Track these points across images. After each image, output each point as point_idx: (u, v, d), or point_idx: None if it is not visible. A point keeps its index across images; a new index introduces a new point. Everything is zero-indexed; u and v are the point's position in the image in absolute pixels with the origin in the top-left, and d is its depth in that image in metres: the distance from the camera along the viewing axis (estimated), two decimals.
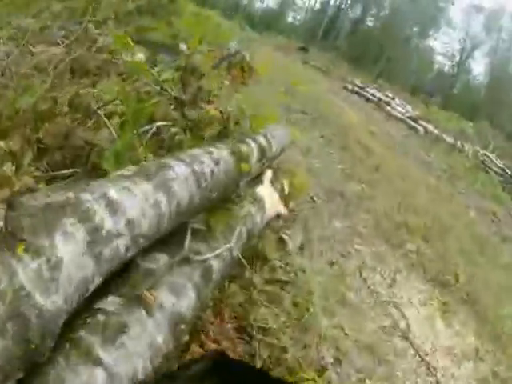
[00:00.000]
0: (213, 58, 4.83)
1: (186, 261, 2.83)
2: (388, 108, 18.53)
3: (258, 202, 4.26)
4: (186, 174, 2.85)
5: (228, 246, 3.36)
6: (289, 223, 5.35)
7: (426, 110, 23.97)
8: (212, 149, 3.38)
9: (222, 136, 3.97)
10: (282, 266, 4.49)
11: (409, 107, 20.52)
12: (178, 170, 2.79)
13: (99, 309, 2.04)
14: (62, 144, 3.07)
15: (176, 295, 2.51)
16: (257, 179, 4.61)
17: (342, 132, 10.77)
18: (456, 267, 6.88)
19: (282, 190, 5.32)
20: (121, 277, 2.29)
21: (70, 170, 2.97)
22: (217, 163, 3.24)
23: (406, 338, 4.70)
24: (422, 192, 9.85)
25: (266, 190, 4.60)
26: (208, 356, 2.59)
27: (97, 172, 2.94)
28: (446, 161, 14.36)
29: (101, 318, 1.98)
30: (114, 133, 3.19)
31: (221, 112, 4.16)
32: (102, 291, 2.04)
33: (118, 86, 3.72)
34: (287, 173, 5.96)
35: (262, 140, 4.51)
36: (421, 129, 17.13)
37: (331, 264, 5.28)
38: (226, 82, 6.00)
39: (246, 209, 3.92)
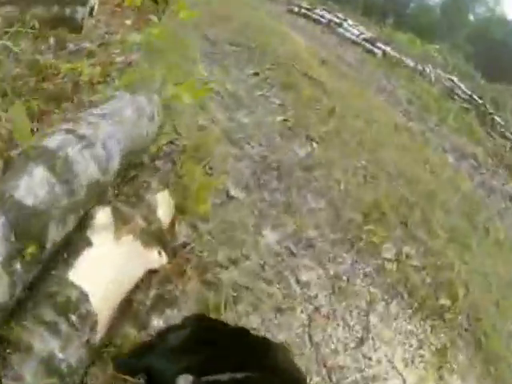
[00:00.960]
0: None
1: None
2: (340, 30, 15.15)
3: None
4: None
5: None
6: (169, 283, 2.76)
7: (380, 31, 20.54)
8: None
9: None
10: None
11: (362, 28, 17.10)
12: None
13: None
14: None
15: None
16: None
17: (284, 65, 7.59)
18: (451, 270, 4.41)
19: (151, 222, 2.75)
20: None
21: None
22: None
23: None
24: (392, 139, 6.90)
25: (97, 262, 2.27)
26: (187, 321, 2.00)
27: None
28: (411, 89, 11.35)
29: None
30: None
31: None
32: None
33: None
34: (185, 157, 3.66)
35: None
36: (379, 52, 13.87)
37: None
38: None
39: None
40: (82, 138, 2.24)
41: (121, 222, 2.44)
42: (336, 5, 26.39)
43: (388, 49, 14.49)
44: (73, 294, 1.99)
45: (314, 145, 5.43)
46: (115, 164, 2.52)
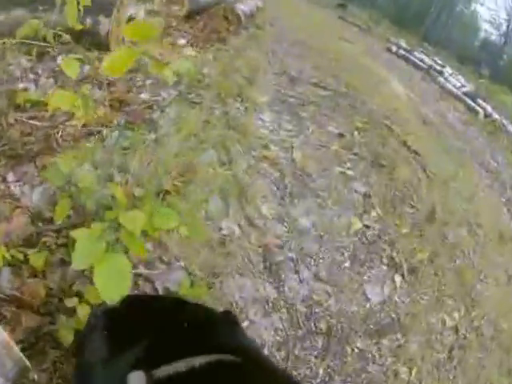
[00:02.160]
0: None
1: None
2: (441, 79, 12.49)
3: None
4: None
5: None
6: None
7: (478, 82, 17.59)
8: None
9: None
10: None
11: (462, 79, 14.38)
12: None
13: None
14: None
15: None
16: None
17: (379, 124, 5.29)
18: None
19: None
20: None
21: None
22: None
23: None
24: (496, 259, 4.53)
25: None
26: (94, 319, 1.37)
27: None
28: None
29: None
30: None
31: None
32: None
33: None
34: None
35: None
36: (481, 111, 11.12)
37: None
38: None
39: None
40: None
41: None
42: (432, 47, 23.58)
43: (489, 108, 11.73)
44: None
45: (398, 281, 3.19)
46: None
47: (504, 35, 36.79)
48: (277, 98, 4.70)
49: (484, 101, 12.30)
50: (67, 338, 1.76)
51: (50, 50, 3.07)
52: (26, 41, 2.65)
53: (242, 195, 2.90)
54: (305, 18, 10.34)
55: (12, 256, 1.86)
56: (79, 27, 2.06)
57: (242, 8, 6.09)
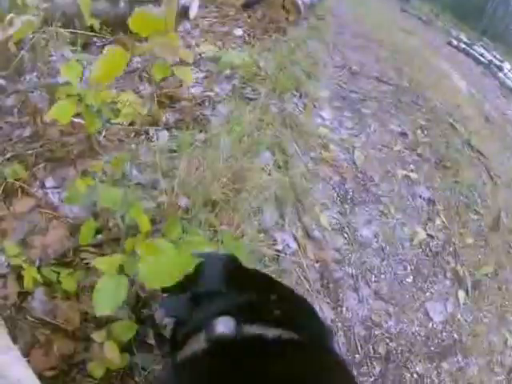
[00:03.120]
0: None
1: None
2: (501, 75, 11.46)
3: None
4: None
5: None
6: None
7: None
8: None
9: None
10: None
11: None
12: None
13: None
14: None
15: None
16: None
17: (442, 122, 4.73)
18: None
19: None
20: None
21: None
22: None
23: None
24: None
25: None
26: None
27: None
28: None
29: None
30: None
31: None
32: None
33: None
34: None
35: None
36: None
37: None
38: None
39: None
40: None
41: None
42: (491, 42, 22.00)
43: None
44: None
45: (462, 297, 2.72)
46: None
47: None
48: (337, 93, 4.24)
49: None
50: (97, 371, 1.46)
51: (96, 40, 2.73)
52: (72, 30, 2.32)
53: (298, 203, 2.50)
54: (366, 9, 9.64)
55: (44, 277, 1.56)
56: (92, 21, 1.72)
57: None
